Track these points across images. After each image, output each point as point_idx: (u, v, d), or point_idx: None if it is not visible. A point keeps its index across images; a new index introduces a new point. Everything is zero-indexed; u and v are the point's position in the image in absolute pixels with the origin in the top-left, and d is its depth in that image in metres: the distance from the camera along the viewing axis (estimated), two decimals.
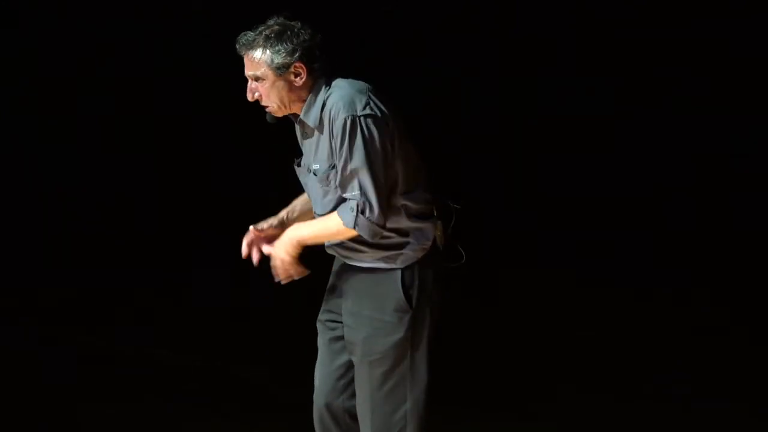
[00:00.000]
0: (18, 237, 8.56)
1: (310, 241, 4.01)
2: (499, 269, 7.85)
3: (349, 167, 3.88)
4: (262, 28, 3.97)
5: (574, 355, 6.69)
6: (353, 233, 3.93)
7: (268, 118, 4.09)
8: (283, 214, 4.20)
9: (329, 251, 4.13)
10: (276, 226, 4.14)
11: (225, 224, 8.68)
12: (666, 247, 8.43)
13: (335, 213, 3.94)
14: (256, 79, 3.96)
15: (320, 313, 4.23)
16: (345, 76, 4.01)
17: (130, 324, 7.23)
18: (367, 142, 3.87)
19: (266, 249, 4.07)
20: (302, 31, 3.96)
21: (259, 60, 3.94)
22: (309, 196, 4.12)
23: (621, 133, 9.03)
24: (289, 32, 3.95)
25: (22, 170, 8.91)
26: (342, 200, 3.95)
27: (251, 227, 4.12)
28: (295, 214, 4.21)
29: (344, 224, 3.91)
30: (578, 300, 7.66)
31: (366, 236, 3.92)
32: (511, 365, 6.51)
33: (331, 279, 4.20)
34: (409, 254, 4.03)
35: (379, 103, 3.91)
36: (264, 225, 4.14)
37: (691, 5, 8.52)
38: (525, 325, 7.19)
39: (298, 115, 4.03)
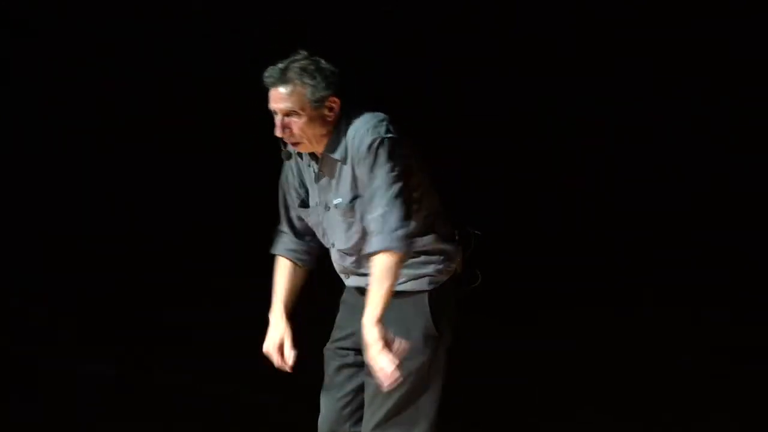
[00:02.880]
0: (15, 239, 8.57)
1: (384, 307, 3.85)
2: (517, 286, 7.83)
3: (374, 186, 3.88)
4: (291, 62, 3.93)
5: (593, 374, 6.68)
6: (396, 257, 3.86)
7: (283, 155, 4.08)
8: (278, 311, 4.15)
9: (351, 283, 4.12)
10: (283, 332, 4.13)
11: (225, 227, 8.71)
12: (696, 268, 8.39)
13: (377, 259, 3.86)
14: (289, 113, 3.91)
15: (330, 341, 4.22)
16: (359, 107, 4.02)
17: (139, 345, 7.22)
18: (392, 163, 3.88)
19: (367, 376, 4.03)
20: (329, 65, 3.95)
21: (295, 94, 3.89)
22: (325, 234, 4.09)
23: (621, 133, 9.02)
24: (320, 65, 3.92)
25: (18, 171, 8.89)
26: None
27: (271, 354, 4.12)
28: (290, 295, 4.18)
29: (385, 250, 3.84)
30: (598, 319, 7.64)
31: (401, 249, 3.86)
32: (529, 384, 6.50)
33: (344, 307, 4.20)
34: (436, 276, 4.05)
35: (396, 129, 3.94)
36: (274, 343, 4.13)
37: (692, 5, 8.52)
38: (544, 344, 7.18)
39: (314, 154, 4.00)
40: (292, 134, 3.92)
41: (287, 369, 4.12)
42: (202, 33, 8.77)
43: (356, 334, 4.06)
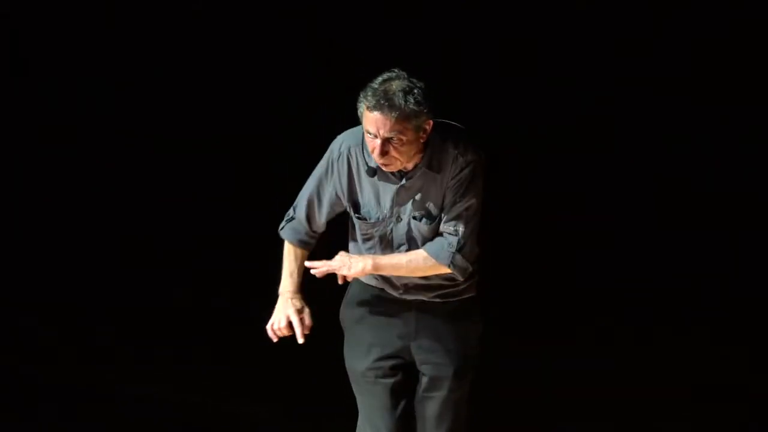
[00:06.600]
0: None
1: (387, 270, 4.11)
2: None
3: (465, 204, 4.06)
4: (389, 83, 4.00)
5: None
6: (438, 270, 4.10)
7: (368, 172, 4.13)
8: (293, 290, 4.28)
9: (409, 296, 4.21)
10: (299, 305, 4.27)
11: (220, 227, 8.68)
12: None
13: (423, 249, 4.09)
14: (390, 138, 3.98)
15: (370, 360, 4.28)
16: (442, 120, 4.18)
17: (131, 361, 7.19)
18: (481, 184, 4.11)
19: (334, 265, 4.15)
20: (422, 83, 4.05)
21: (404, 121, 3.97)
22: (389, 247, 4.17)
23: (621, 132, 9.01)
24: (419, 87, 4.02)
25: (16, 171, 8.88)
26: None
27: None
28: (299, 277, 4.33)
29: (436, 261, 4.07)
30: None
31: (458, 274, 4.11)
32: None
33: (380, 324, 4.28)
34: (476, 281, 4.28)
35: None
36: (287, 316, 4.23)
37: (692, 5, 8.52)
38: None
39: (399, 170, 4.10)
40: (389, 158, 4.00)
41: (301, 337, 4.19)
42: (202, 33, 8.74)
43: (403, 351, 4.24)
